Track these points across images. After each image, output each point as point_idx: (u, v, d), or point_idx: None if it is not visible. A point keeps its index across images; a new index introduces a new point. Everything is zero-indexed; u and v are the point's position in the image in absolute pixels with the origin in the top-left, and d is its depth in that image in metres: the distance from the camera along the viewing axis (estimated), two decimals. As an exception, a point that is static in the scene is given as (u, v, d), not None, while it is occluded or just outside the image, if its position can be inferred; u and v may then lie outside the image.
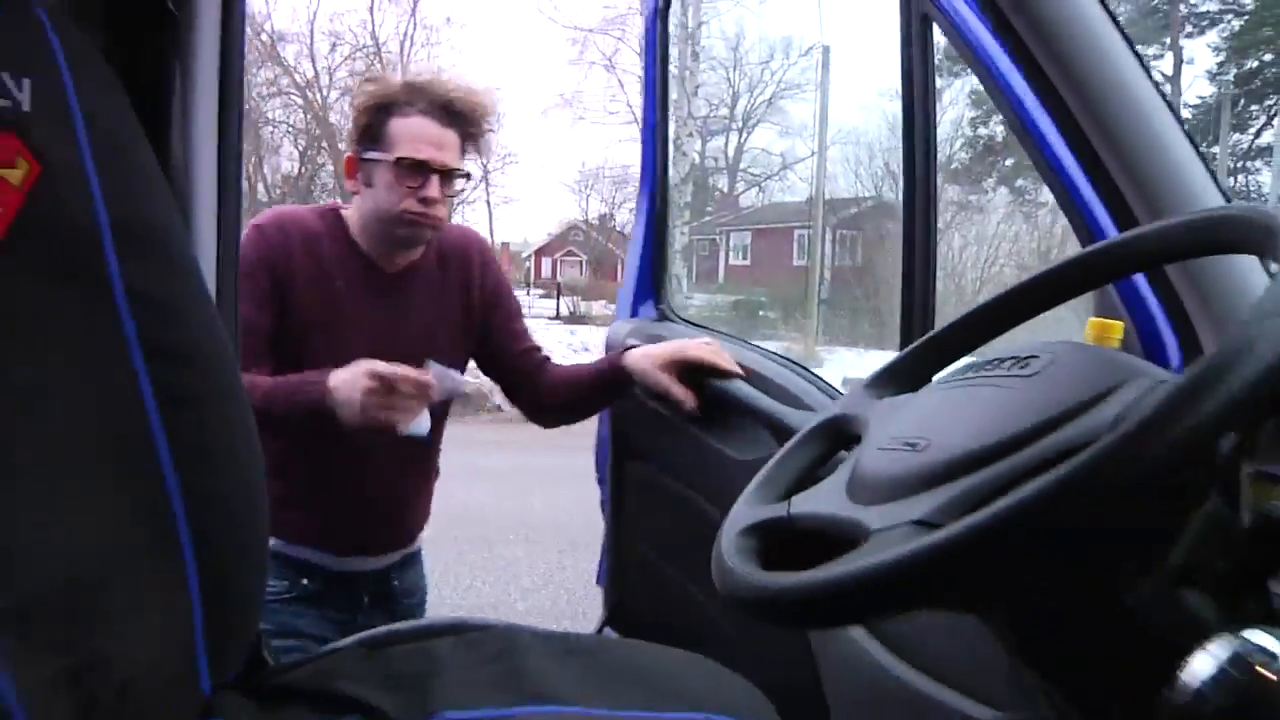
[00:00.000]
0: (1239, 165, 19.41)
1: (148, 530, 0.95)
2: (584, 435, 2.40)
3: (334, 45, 20.67)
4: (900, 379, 0.93)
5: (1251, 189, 19.12)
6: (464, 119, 1.81)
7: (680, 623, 1.97)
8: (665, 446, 2.09)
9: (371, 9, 24.73)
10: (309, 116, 20.34)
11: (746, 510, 0.83)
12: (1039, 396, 0.70)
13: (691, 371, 1.85)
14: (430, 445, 1.92)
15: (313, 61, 20.09)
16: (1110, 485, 0.53)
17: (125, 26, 1.14)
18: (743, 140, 22.17)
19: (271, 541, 1.67)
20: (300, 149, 20.58)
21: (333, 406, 1.58)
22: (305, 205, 1.91)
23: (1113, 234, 1.17)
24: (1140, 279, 1.23)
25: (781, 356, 1.96)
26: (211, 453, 1.01)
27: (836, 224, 17.36)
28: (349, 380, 1.58)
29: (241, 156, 1.29)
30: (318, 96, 20.66)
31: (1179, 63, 19.62)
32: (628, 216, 22.45)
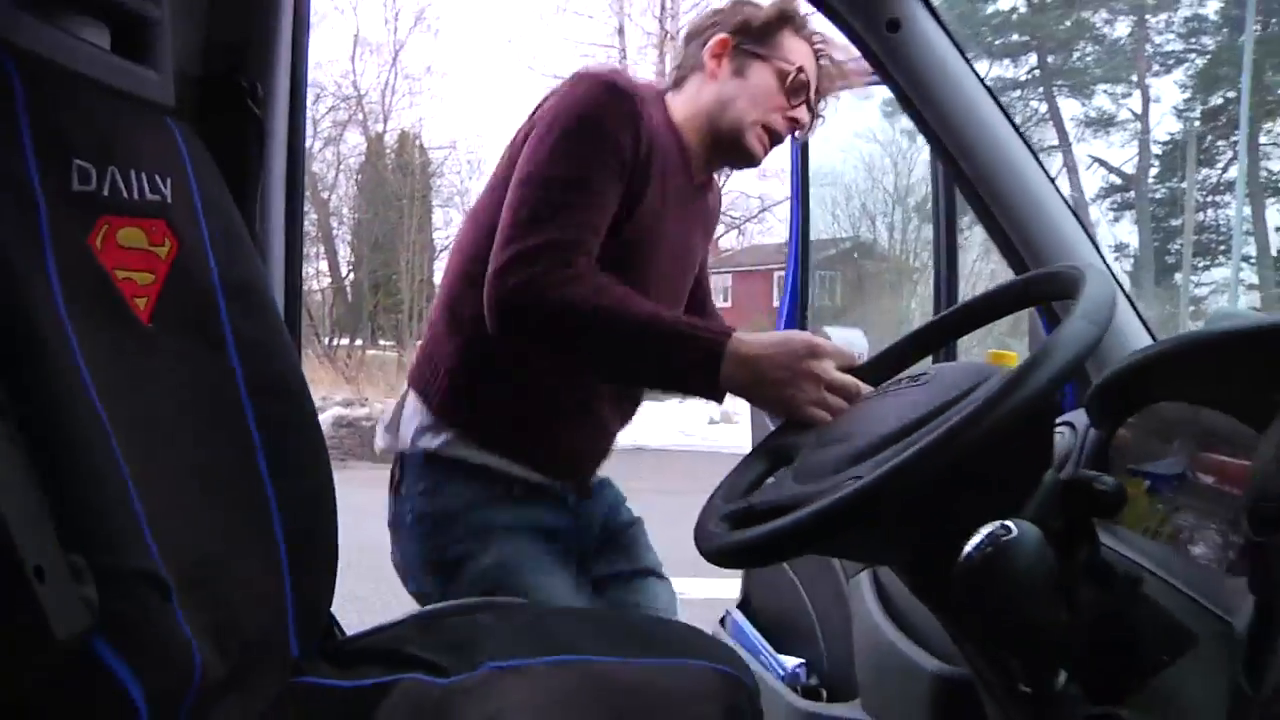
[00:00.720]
0: (1208, 199, 19.96)
1: (253, 525, 1.20)
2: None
3: (317, 96, 21.07)
4: None
5: (1221, 222, 19.65)
6: (821, 85, 1.71)
7: (789, 615, 2.29)
8: None
9: (353, 59, 25.28)
10: (294, 166, 20.65)
11: (718, 505, 1.11)
12: (926, 397, 0.99)
13: None
14: None
15: (298, 112, 20.42)
16: (949, 454, 0.82)
17: (218, 121, 1.43)
18: (722, 184, 22.53)
19: (489, 458, 1.59)
20: (285, 197, 20.84)
21: (717, 375, 1.34)
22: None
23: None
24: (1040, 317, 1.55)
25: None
26: (296, 466, 1.27)
27: (816, 265, 17.70)
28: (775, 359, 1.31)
29: (304, 216, 1.59)
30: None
31: (1146, 101, 20.21)
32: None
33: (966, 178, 1.51)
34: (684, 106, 1.69)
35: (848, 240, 18.49)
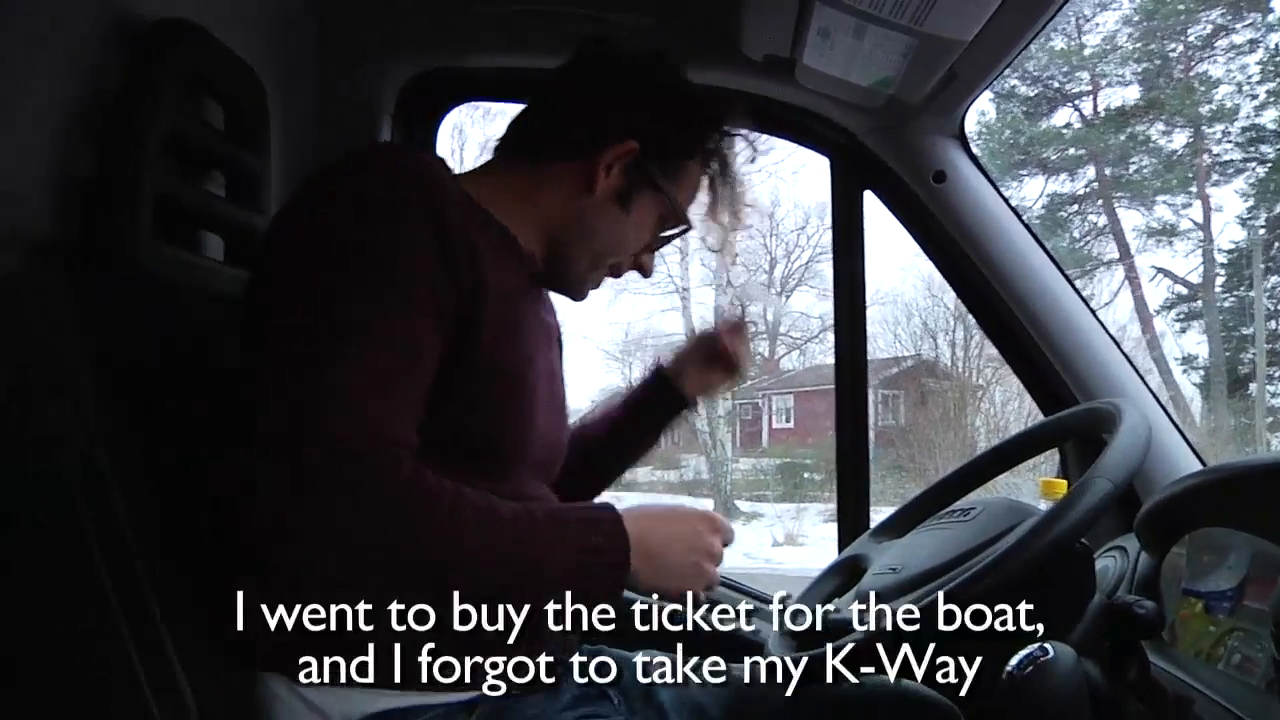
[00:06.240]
0: (1279, 308, 19.69)
1: None
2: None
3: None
4: (893, 529, 1.31)
5: (1297, 332, 19.35)
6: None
7: None
8: None
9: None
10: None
11: (791, 613, 1.19)
12: (971, 533, 1.07)
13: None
14: None
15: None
16: (988, 588, 0.90)
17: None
18: (784, 303, 22.69)
19: None
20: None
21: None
22: None
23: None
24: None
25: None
26: None
27: (878, 384, 17.64)
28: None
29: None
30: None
31: (1208, 210, 20.11)
32: (670, 383, 22.88)
33: (998, 323, 1.62)
34: (521, 202, 1.21)
35: (909, 359, 18.45)
